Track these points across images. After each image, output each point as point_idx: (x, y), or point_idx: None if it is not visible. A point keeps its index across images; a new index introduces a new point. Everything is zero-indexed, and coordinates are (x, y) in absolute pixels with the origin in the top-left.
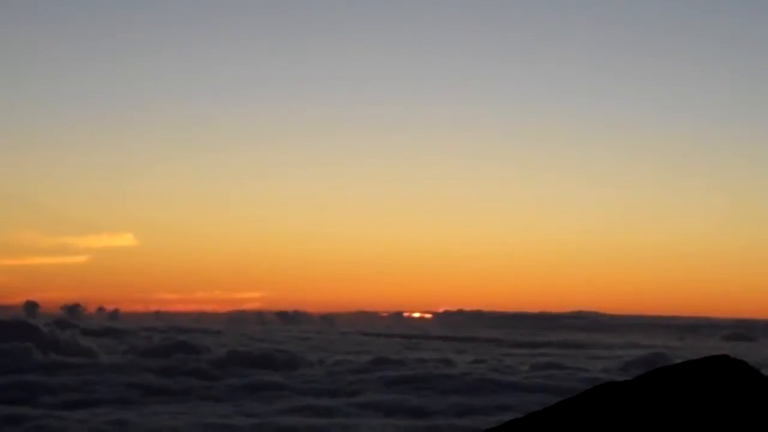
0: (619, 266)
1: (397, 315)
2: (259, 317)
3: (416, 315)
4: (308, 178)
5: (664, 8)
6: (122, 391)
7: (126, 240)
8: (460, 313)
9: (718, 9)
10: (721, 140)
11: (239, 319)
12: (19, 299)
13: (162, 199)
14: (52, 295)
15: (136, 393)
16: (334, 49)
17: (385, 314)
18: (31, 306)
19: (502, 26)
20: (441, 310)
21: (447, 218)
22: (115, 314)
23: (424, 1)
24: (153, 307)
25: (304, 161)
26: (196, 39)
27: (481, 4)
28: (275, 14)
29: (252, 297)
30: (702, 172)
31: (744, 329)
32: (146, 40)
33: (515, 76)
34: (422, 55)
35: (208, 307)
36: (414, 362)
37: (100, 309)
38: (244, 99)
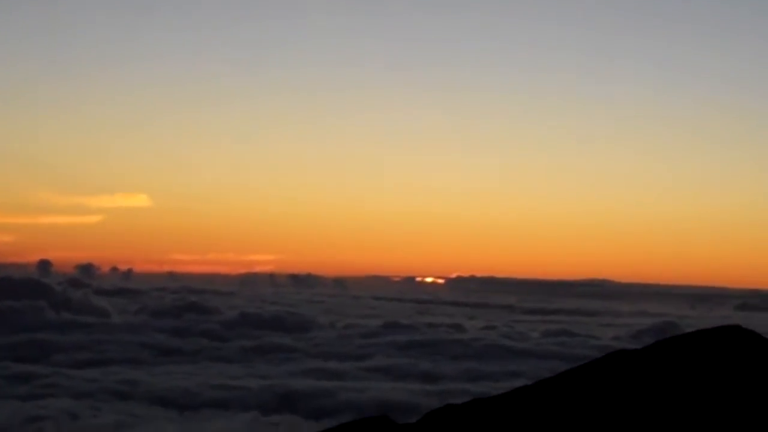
0: (632, 234)
1: (410, 279)
2: (271, 279)
3: (428, 280)
4: (323, 141)
5: None
6: (133, 350)
7: (140, 200)
8: (472, 278)
9: None
10: (737, 110)
11: (251, 281)
12: (33, 258)
13: (176, 160)
14: (65, 254)
15: (147, 353)
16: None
17: (397, 279)
18: (45, 265)
19: None
20: (453, 275)
21: (461, 184)
22: (128, 274)
23: None
24: (166, 268)
25: (318, 124)
26: (206, 11)
27: None
28: None
29: (265, 259)
30: (718, 141)
31: (757, 299)
32: (154, 6)
33: (538, 40)
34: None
35: (220, 269)
36: (425, 327)
37: (114, 269)
38: (258, 59)
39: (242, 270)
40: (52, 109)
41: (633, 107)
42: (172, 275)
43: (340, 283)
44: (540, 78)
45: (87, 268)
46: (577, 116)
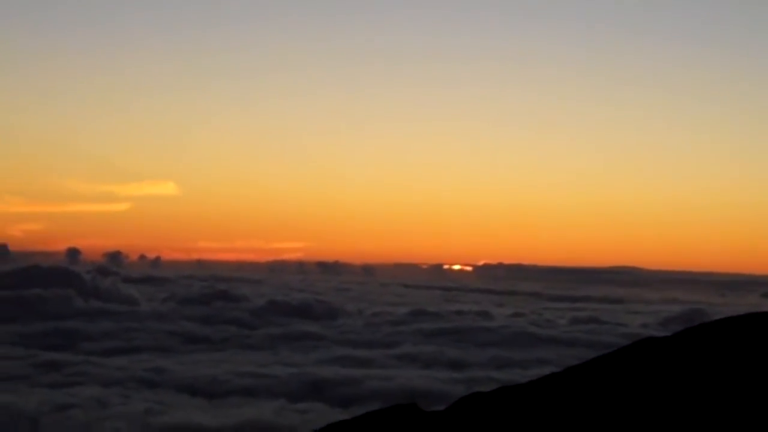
0: (660, 222)
1: (437, 267)
2: (299, 267)
3: (456, 267)
4: (350, 130)
5: None
6: (162, 338)
7: (168, 188)
8: (500, 266)
9: None
10: (762, 103)
11: (280, 268)
12: (62, 246)
13: (204, 149)
14: (94, 242)
15: (176, 341)
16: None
17: (425, 266)
18: (73, 253)
19: None
20: (481, 263)
21: (489, 172)
22: (156, 262)
23: None
24: (194, 256)
25: (347, 114)
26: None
27: None
28: None
29: (293, 247)
30: (748, 129)
31: None
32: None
33: (558, 33)
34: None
35: (248, 257)
36: (452, 314)
37: (142, 256)
38: (287, 54)
39: (270, 258)
40: (80, 99)
41: (662, 96)
42: (200, 263)
43: (368, 270)
44: (569, 66)
45: (115, 256)
46: (603, 108)
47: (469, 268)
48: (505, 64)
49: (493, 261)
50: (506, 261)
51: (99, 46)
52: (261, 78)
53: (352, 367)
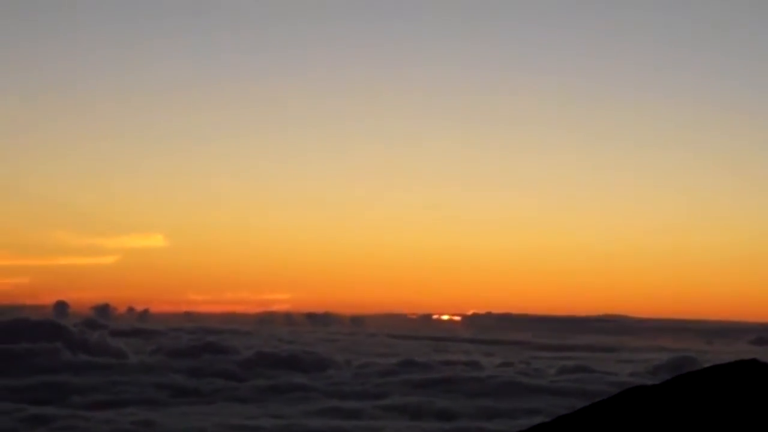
0: (646, 270)
1: (426, 317)
2: (288, 318)
3: (445, 317)
4: (336, 180)
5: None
6: (150, 391)
7: (156, 240)
8: (489, 315)
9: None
10: (756, 144)
11: (268, 320)
12: (50, 299)
13: (191, 201)
14: (82, 295)
15: (164, 394)
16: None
17: (414, 316)
18: (62, 306)
19: (515, 17)
20: (470, 312)
21: (475, 221)
22: (144, 314)
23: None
24: (183, 308)
25: (331, 164)
26: (218, 41)
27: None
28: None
29: (281, 298)
30: (731, 175)
31: None
32: (173, 46)
33: (552, 68)
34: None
35: (237, 308)
36: (441, 365)
37: (130, 309)
38: (270, 101)
39: (259, 309)
40: (67, 150)
41: (644, 143)
42: (188, 315)
43: (357, 321)
44: (558, 110)
45: (103, 309)
46: (587, 152)
47: (457, 318)
48: (489, 117)
49: (482, 310)
50: (495, 310)
51: (87, 100)
52: (249, 133)
53: (341, 418)
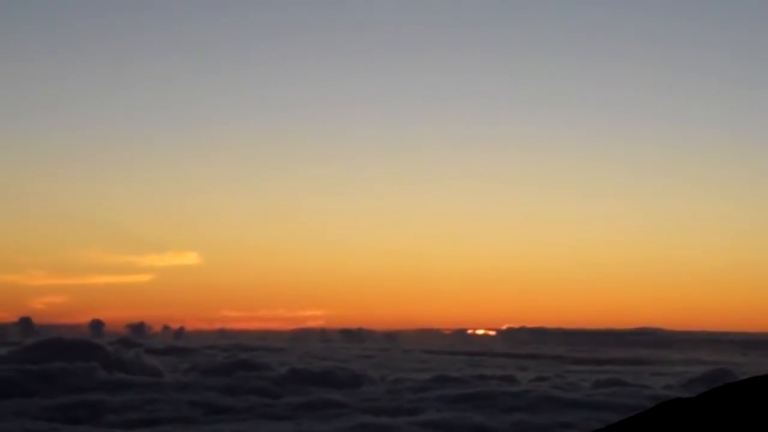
0: (682, 282)
1: (461, 332)
2: (322, 335)
3: (480, 332)
4: (372, 195)
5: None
6: (185, 409)
7: (190, 258)
8: (523, 329)
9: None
10: None
11: (302, 336)
12: (85, 318)
13: (225, 218)
14: (117, 314)
15: (199, 411)
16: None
17: (448, 331)
18: (97, 325)
19: (509, 38)
20: (504, 327)
21: (511, 235)
22: (179, 332)
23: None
24: (217, 325)
25: (368, 178)
26: (258, 59)
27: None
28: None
29: (315, 315)
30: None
31: None
32: (210, 61)
33: (571, 79)
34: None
35: (271, 325)
36: (476, 379)
37: (165, 327)
38: (306, 117)
39: (293, 326)
40: (101, 168)
41: (681, 156)
42: (222, 332)
43: (391, 337)
44: (586, 124)
45: (138, 328)
46: (625, 164)
47: (492, 333)
48: (526, 127)
49: (516, 325)
50: (529, 324)
51: (123, 119)
52: (283, 151)
53: None
